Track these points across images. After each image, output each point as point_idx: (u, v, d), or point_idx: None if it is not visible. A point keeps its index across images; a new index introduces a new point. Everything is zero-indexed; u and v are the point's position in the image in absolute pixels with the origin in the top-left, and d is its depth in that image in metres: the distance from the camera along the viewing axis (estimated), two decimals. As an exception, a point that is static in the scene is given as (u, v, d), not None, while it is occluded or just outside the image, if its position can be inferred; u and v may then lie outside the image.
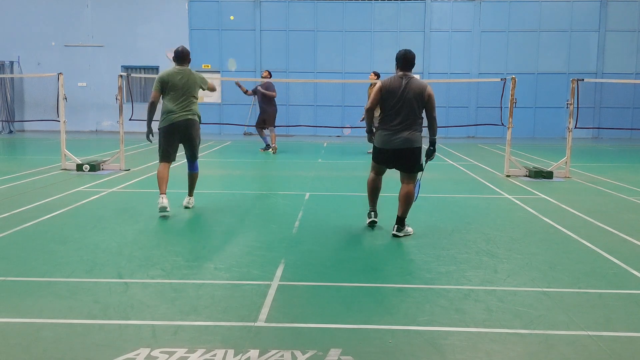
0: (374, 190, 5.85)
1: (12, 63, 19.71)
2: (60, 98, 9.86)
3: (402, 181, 5.65)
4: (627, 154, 14.82)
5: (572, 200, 7.51)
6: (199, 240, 5.38)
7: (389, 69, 19.82)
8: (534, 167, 9.91)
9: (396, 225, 5.53)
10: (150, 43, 19.93)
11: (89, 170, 9.48)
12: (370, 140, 5.82)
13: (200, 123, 6.64)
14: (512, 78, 9.75)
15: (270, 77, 13.68)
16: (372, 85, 12.86)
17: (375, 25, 19.70)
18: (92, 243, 5.13)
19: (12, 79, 19.42)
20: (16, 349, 3.03)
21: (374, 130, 5.74)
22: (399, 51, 5.71)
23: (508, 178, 9.50)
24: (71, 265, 4.49)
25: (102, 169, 9.73)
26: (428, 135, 5.59)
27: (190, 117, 6.43)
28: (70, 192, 7.69)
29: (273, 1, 19.88)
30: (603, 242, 5.39)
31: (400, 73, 5.62)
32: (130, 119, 10.54)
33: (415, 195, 5.68)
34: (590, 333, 3.30)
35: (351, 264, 4.67)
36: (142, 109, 15.39)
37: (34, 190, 7.75)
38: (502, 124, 10.62)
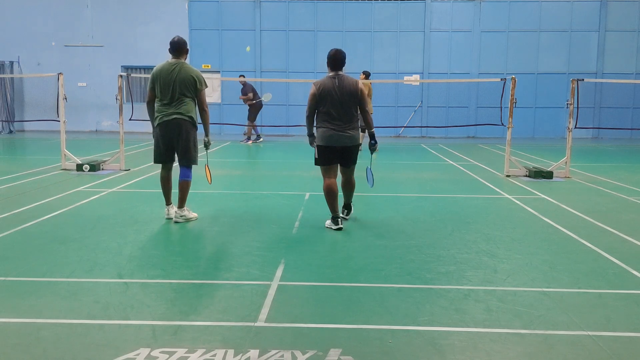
0: (332, 195, 5.76)
1: (12, 63, 19.70)
2: (60, 98, 9.86)
3: (343, 173, 5.97)
4: (627, 154, 14.82)
5: (572, 200, 7.51)
6: (198, 240, 5.38)
7: (389, 69, 19.84)
8: (534, 167, 9.90)
9: (345, 210, 6.12)
10: (150, 43, 19.92)
11: (89, 170, 9.48)
12: (312, 143, 5.92)
13: (194, 125, 5.93)
14: (512, 78, 9.75)
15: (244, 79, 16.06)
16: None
17: (375, 25, 19.69)
18: (92, 243, 5.13)
19: (12, 79, 19.41)
20: (16, 349, 3.03)
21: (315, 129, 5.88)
22: (330, 51, 5.76)
23: (508, 178, 9.50)
24: (71, 265, 4.49)
25: (102, 169, 9.72)
26: (367, 130, 5.86)
27: (177, 117, 5.76)
28: (70, 192, 7.69)
29: (273, 1, 19.88)
30: (603, 242, 5.39)
31: (332, 73, 5.70)
32: (130, 119, 10.53)
33: (371, 181, 6.25)
34: (590, 333, 3.30)
35: (351, 264, 4.67)
36: (142, 109, 15.41)
37: (34, 190, 7.75)
38: (502, 124, 10.62)
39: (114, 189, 7.99)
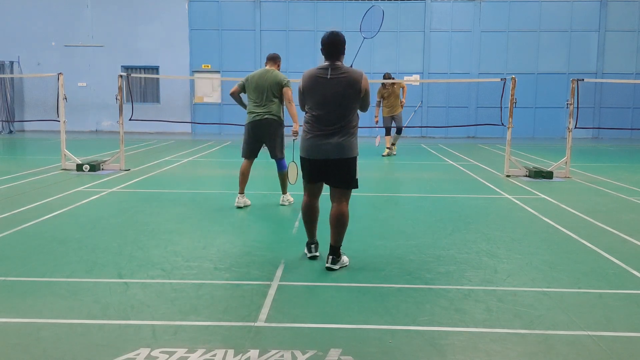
0: (309, 217, 4.67)
1: (12, 63, 19.72)
2: (60, 98, 9.86)
3: (332, 199, 4.47)
4: (627, 154, 14.82)
5: (572, 200, 7.51)
6: (199, 240, 5.38)
7: (389, 69, 19.89)
8: (534, 167, 9.90)
9: (330, 257, 4.41)
10: (150, 43, 19.94)
11: (89, 170, 9.48)
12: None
13: (280, 123, 6.59)
14: (512, 78, 9.75)
15: None
16: (383, 85, 12.90)
17: (375, 25, 19.69)
18: (92, 243, 5.13)
19: (12, 79, 19.42)
20: (16, 349, 3.03)
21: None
22: (323, 35, 4.45)
23: (508, 178, 9.50)
24: (71, 265, 4.49)
25: (102, 169, 9.72)
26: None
27: (266, 116, 6.52)
28: (70, 192, 7.69)
29: (273, 1, 19.89)
30: (603, 242, 5.39)
31: (325, 63, 4.40)
32: (130, 119, 10.53)
33: (377, 20, 5.06)
34: (590, 333, 3.30)
35: (351, 264, 4.67)
36: (142, 109, 15.42)
37: (34, 190, 7.75)
38: (502, 124, 10.62)
39: (114, 189, 7.99)
